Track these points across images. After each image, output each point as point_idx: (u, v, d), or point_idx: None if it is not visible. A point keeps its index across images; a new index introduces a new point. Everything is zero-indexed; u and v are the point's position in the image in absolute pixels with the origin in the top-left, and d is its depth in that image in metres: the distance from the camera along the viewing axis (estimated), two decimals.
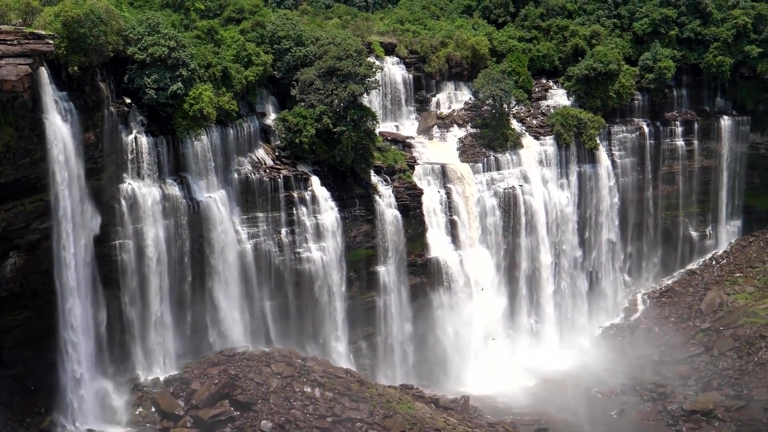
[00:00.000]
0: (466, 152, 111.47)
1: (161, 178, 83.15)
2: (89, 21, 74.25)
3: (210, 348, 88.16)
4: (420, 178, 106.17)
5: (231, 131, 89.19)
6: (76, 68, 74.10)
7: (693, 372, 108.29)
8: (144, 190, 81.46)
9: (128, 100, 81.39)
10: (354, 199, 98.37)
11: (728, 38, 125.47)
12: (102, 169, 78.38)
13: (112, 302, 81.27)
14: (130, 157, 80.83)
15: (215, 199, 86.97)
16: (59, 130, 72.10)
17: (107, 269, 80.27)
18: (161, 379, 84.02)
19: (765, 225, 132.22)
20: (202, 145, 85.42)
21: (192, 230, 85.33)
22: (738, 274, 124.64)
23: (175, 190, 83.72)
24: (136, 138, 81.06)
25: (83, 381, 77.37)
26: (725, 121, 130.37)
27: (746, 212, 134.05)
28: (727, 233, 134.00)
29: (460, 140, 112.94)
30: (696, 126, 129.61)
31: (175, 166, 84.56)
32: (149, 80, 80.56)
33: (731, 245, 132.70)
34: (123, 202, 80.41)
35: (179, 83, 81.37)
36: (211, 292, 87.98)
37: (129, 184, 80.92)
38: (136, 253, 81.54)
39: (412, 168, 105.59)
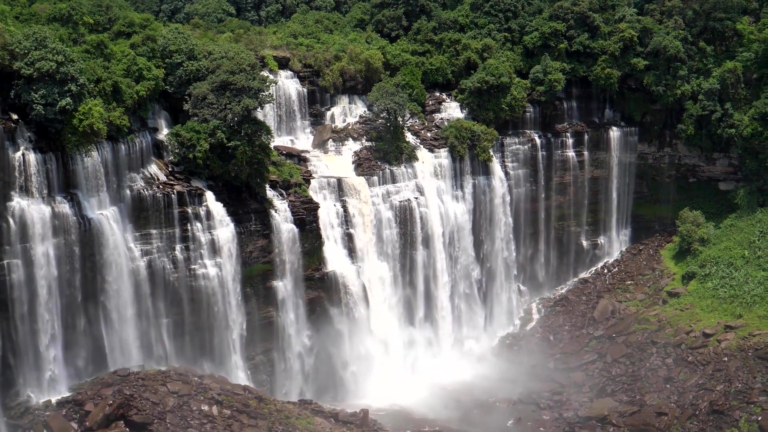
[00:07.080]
0: (362, 165, 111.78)
1: (51, 195, 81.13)
2: None
3: (104, 368, 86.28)
4: (316, 191, 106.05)
5: (122, 147, 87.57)
6: None
7: (588, 379, 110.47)
8: (33, 208, 79.34)
9: (15, 116, 79.31)
10: (249, 213, 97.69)
11: (615, 51, 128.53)
12: None
13: (0, 323, 78.87)
14: (17, 174, 78.66)
15: (107, 216, 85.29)
16: None
17: None
18: (53, 401, 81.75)
19: (654, 233, 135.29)
20: (92, 161, 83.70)
21: (83, 248, 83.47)
22: (629, 282, 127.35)
23: (65, 207, 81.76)
24: (23, 155, 78.94)
25: None
26: (614, 132, 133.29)
27: (635, 221, 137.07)
28: (618, 242, 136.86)
29: (356, 153, 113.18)
30: (586, 137, 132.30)
31: (65, 183, 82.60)
32: (37, 96, 78.72)
33: (622, 254, 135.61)
34: (11, 220, 78.24)
35: (68, 98, 79.69)
36: (104, 311, 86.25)
37: (17, 202, 78.75)
38: (25, 272, 79.40)
39: (308, 182, 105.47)
